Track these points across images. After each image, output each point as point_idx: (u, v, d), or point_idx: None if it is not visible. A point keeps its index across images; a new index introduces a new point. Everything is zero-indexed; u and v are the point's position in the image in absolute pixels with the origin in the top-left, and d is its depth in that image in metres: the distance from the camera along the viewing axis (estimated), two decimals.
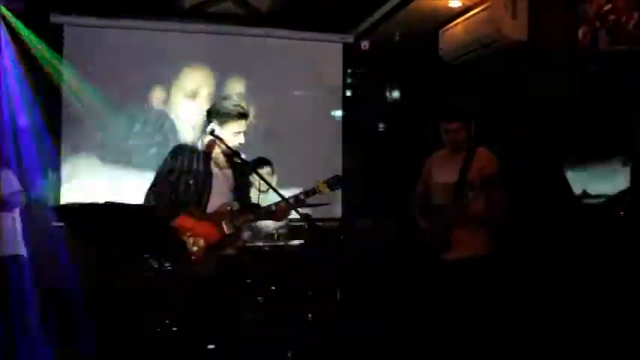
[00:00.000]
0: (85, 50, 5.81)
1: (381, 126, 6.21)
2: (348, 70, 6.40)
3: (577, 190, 4.05)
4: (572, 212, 4.09)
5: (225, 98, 3.67)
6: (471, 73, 5.28)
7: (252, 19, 6.06)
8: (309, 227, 4.12)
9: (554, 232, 4.15)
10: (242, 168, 3.74)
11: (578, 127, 4.01)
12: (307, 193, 3.68)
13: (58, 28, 5.76)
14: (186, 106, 6.18)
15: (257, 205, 3.75)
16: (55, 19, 5.72)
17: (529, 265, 4.26)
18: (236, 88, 6.22)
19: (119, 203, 2.72)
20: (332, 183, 3.75)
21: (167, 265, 3.96)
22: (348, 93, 6.39)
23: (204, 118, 3.63)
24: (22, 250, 4.63)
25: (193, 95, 6.19)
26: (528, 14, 4.59)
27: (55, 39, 5.66)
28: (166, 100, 6.14)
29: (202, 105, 5.99)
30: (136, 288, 4.70)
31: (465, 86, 5.35)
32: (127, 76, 5.94)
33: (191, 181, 3.56)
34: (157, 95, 6.10)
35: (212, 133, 3.53)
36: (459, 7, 5.18)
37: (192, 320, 3.68)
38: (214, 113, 3.56)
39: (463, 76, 5.39)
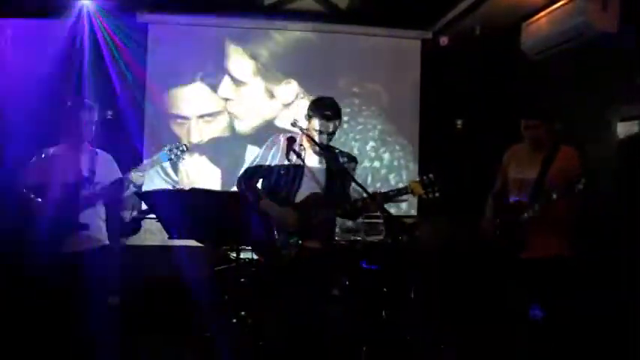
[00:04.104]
0: (167, 48, 5.95)
1: (459, 122, 6.08)
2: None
3: None
4: None
5: (320, 98, 3.65)
6: (555, 68, 5.08)
7: (331, 16, 6.04)
8: (387, 224, 4.03)
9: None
10: (333, 162, 3.65)
11: None
12: (399, 192, 3.55)
13: (143, 28, 5.91)
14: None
15: (345, 200, 3.63)
16: (142, 18, 5.87)
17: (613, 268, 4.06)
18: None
19: (203, 189, 2.74)
20: (427, 183, 3.52)
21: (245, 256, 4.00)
22: (427, 89, 6.26)
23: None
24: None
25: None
26: (620, 4, 4.38)
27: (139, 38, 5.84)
28: None
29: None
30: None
31: (548, 82, 5.17)
32: (208, 73, 6.08)
33: (282, 172, 3.60)
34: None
35: (294, 124, 3.56)
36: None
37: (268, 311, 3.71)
38: (307, 109, 3.61)
39: (546, 71, 5.20)
